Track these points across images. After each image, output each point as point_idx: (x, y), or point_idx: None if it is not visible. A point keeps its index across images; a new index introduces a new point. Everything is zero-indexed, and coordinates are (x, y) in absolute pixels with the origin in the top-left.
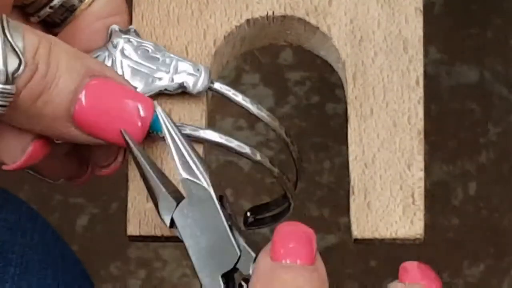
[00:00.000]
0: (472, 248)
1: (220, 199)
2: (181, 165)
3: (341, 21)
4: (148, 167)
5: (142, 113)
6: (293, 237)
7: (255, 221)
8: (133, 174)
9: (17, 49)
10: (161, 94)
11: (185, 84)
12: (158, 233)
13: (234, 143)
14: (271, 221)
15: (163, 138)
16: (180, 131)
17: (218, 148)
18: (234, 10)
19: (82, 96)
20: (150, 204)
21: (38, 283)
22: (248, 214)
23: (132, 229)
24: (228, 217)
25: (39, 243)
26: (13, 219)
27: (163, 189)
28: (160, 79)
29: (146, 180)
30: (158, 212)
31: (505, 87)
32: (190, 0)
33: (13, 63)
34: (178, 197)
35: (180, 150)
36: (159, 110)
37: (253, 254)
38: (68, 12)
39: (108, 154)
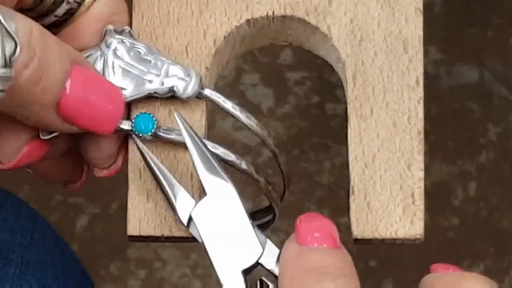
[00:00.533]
0: (472, 248)
1: None
2: (203, 163)
3: (341, 21)
4: (162, 167)
5: (116, 100)
6: (316, 227)
7: None
8: (133, 174)
9: (11, 32)
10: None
11: (175, 89)
12: (158, 233)
13: (219, 150)
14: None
15: (164, 142)
16: (196, 133)
17: None
18: (234, 10)
19: (68, 83)
20: (150, 204)
21: (38, 283)
22: None
23: (132, 229)
24: (249, 215)
25: (39, 243)
26: (13, 219)
27: (182, 188)
28: (150, 81)
29: (159, 180)
30: (175, 211)
31: (505, 87)
32: (190, 0)
33: (9, 47)
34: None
35: (201, 150)
36: (176, 114)
37: (277, 249)
38: (67, 15)
39: (108, 155)
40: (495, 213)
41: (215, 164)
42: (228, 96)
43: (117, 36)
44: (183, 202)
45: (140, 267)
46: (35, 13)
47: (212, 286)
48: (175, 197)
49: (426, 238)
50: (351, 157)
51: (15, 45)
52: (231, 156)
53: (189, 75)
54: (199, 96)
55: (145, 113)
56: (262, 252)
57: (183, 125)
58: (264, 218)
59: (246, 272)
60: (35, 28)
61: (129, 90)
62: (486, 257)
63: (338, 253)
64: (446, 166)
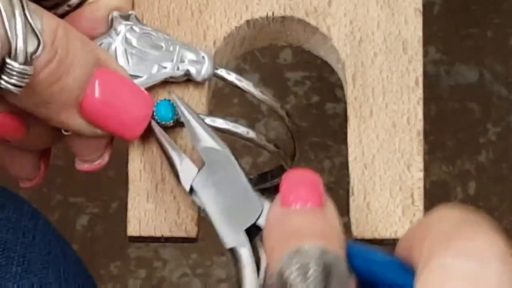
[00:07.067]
0: None
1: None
2: (200, 136)
3: (341, 22)
4: (168, 139)
5: (144, 104)
6: (300, 183)
7: None
8: (133, 175)
9: (36, 30)
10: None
11: (190, 72)
12: (158, 234)
13: (240, 129)
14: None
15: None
16: (193, 110)
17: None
18: (234, 11)
19: (91, 85)
20: (150, 205)
21: (39, 282)
22: None
23: (132, 230)
24: (249, 179)
25: (41, 242)
26: (15, 219)
27: (186, 157)
28: (165, 67)
29: (166, 152)
30: (178, 179)
31: (505, 87)
32: (190, 1)
33: (32, 44)
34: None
35: (198, 124)
36: (174, 96)
37: None
38: (79, 5)
39: (95, 148)
40: (495, 213)
41: (213, 134)
42: (240, 76)
43: (125, 22)
44: (187, 171)
45: (140, 267)
46: (50, 1)
47: (212, 286)
48: (179, 166)
49: None
50: (350, 158)
51: (38, 43)
52: (239, 128)
53: (203, 57)
54: (213, 76)
55: (164, 100)
56: (262, 211)
57: (180, 102)
58: (278, 179)
59: (248, 232)
60: (61, 27)
61: (145, 78)
62: None
63: (317, 214)
64: (446, 166)
